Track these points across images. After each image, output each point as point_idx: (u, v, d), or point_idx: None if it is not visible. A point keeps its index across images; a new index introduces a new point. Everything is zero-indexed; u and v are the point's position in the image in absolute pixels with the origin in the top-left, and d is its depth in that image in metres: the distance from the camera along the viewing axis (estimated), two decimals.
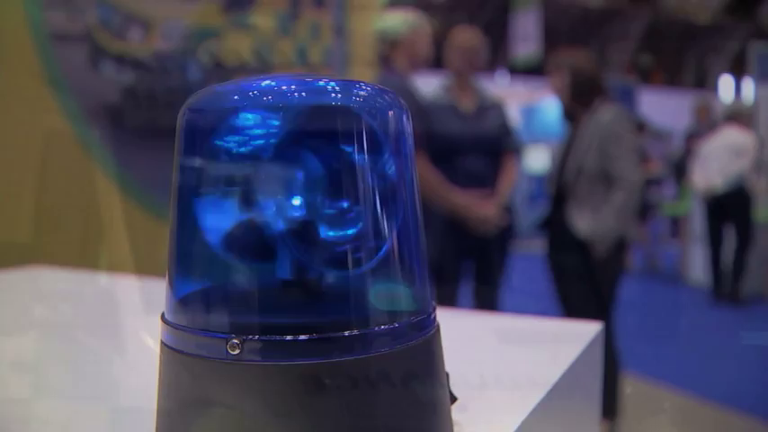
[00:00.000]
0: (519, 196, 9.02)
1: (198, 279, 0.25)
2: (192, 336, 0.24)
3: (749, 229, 5.14)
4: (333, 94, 0.25)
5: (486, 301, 2.79)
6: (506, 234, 2.76)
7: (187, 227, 0.25)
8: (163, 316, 0.26)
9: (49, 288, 0.78)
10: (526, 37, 13.16)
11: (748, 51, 8.70)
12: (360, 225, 0.24)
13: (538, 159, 9.19)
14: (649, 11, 20.18)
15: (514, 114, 9.34)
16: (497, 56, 19.40)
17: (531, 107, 10.27)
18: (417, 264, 0.26)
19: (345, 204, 0.24)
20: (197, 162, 0.25)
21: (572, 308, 2.63)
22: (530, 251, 6.20)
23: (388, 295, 0.25)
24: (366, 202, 0.24)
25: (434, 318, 0.27)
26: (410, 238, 0.26)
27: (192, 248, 0.25)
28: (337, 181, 0.24)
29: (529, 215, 7.20)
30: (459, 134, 2.64)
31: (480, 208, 2.49)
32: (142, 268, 0.94)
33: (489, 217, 2.49)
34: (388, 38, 2.38)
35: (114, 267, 1.13)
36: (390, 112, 0.26)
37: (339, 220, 0.24)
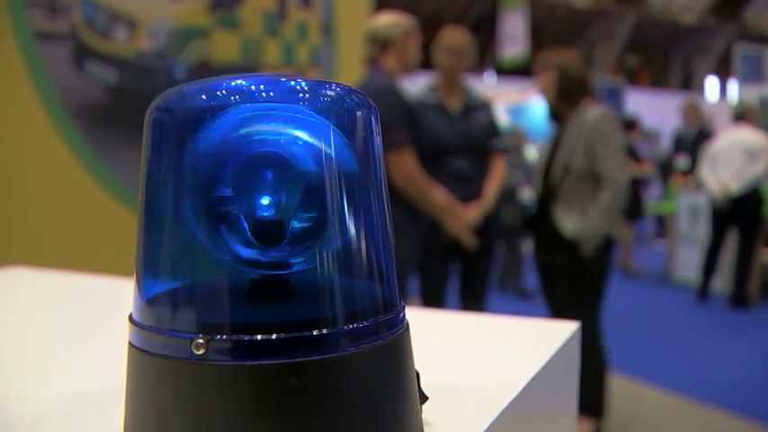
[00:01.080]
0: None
1: (164, 279, 0.25)
2: (158, 336, 0.24)
3: (758, 231, 5.06)
4: (300, 94, 0.25)
5: (473, 300, 2.79)
6: (493, 234, 2.76)
7: (154, 227, 0.25)
8: (131, 317, 0.25)
9: (27, 290, 0.77)
10: (513, 37, 13.21)
11: (733, 52, 8.79)
12: (326, 225, 0.25)
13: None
14: (636, 12, 20.31)
15: (502, 114, 9.36)
16: (485, 56, 19.45)
17: (519, 107, 10.31)
18: (385, 263, 0.26)
19: (312, 204, 0.24)
20: (163, 162, 0.25)
21: (559, 307, 2.64)
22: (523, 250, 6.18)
23: (354, 294, 0.25)
24: (333, 202, 0.24)
25: (403, 316, 0.27)
26: (378, 237, 0.26)
27: (159, 248, 0.25)
28: (305, 180, 0.24)
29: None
30: (447, 134, 2.64)
31: (457, 219, 2.48)
32: (126, 268, 0.93)
33: (464, 229, 2.49)
34: (379, 40, 2.38)
35: (96, 266, 1.12)
36: (358, 113, 0.26)
37: (306, 220, 0.24)
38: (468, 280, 2.80)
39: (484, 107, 2.78)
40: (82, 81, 2.88)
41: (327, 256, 0.24)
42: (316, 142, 0.24)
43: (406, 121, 2.22)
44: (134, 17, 3.13)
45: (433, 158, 2.61)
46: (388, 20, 2.40)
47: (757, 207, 4.99)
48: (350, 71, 2.71)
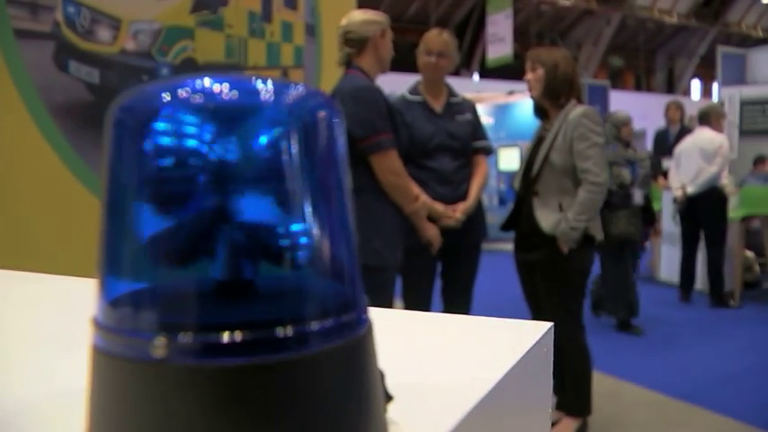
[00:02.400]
0: (489, 196, 9.08)
1: (126, 280, 0.25)
2: (119, 337, 0.24)
3: (721, 231, 5.12)
4: (263, 95, 0.25)
5: (456, 301, 2.79)
6: (477, 234, 2.77)
7: (115, 228, 0.25)
8: (93, 318, 0.25)
9: (3, 291, 0.76)
10: (500, 39, 13.28)
11: (715, 53, 8.89)
12: (289, 224, 0.25)
13: (509, 160, 9.25)
14: (620, 13, 20.47)
15: (486, 115, 9.39)
16: (472, 57, 19.53)
17: (504, 108, 10.35)
18: (348, 263, 0.27)
19: (276, 204, 0.24)
20: (125, 162, 0.25)
21: (539, 306, 2.65)
22: (507, 250, 6.18)
23: (317, 294, 0.25)
24: (296, 202, 0.24)
25: (366, 317, 0.27)
26: (341, 237, 0.26)
27: (120, 249, 0.25)
28: (268, 181, 0.24)
29: (500, 215, 7.24)
30: (430, 134, 2.65)
31: (431, 226, 2.48)
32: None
33: (436, 235, 2.49)
34: (354, 40, 2.35)
35: (78, 266, 1.11)
36: (322, 114, 0.26)
37: (269, 220, 0.24)
38: (451, 280, 2.81)
39: (467, 108, 2.79)
40: (64, 81, 2.86)
41: (290, 256, 0.25)
42: (278, 144, 0.25)
43: (388, 122, 2.22)
44: (118, 17, 3.10)
45: (417, 158, 2.62)
46: (362, 17, 2.38)
47: (718, 207, 5.05)
48: (334, 72, 2.70)
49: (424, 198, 2.42)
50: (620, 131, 4.45)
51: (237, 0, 3.65)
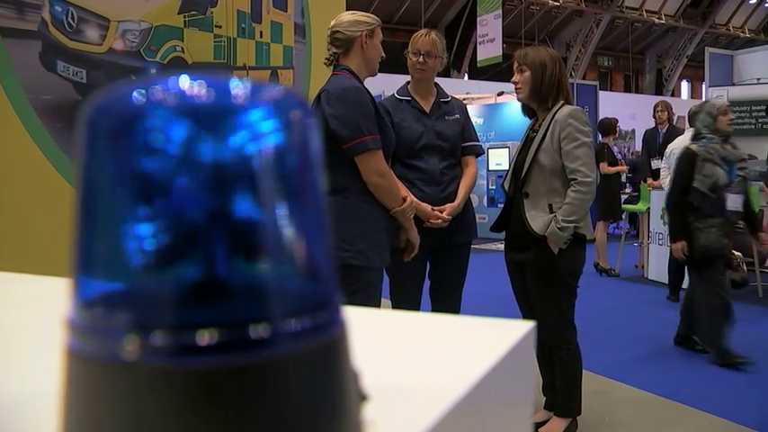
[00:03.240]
0: (478, 196, 9.10)
1: (97, 280, 0.25)
2: (89, 338, 0.24)
3: None
4: (238, 95, 0.25)
5: (444, 301, 2.79)
6: (466, 233, 2.77)
7: (86, 227, 0.25)
8: (65, 319, 0.25)
9: None
10: (489, 39, 13.32)
11: (703, 54, 8.95)
12: (263, 224, 0.25)
13: (499, 161, 9.28)
14: (609, 14, 20.58)
15: (476, 116, 9.41)
16: (461, 58, 19.57)
17: (493, 108, 10.38)
18: (323, 263, 0.27)
19: (249, 204, 0.24)
20: (97, 161, 0.25)
21: (530, 306, 2.65)
22: (499, 250, 6.19)
23: (290, 295, 0.25)
24: (270, 202, 0.24)
25: (341, 317, 0.27)
26: (315, 236, 0.26)
27: (92, 249, 0.25)
28: (241, 181, 0.24)
29: (490, 215, 7.24)
30: (419, 134, 2.65)
31: (412, 230, 2.45)
32: None
33: (416, 238, 2.46)
34: (342, 40, 2.34)
35: (65, 266, 1.10)
36: (295, 114, 0.26)
37: (242, 220, 0.24)
38: (439, 280, 2.81)
39: (457, 108, 2.79)
40: (51, 80, 2.84)
41: (265, 256, 0.25)
42: (251, 144, 0.25)
43: (374, 124, 2.22)
44: (106, 16, 3.09)
45: (405, 158, 2.62)
46: (350, 18, 2.38)
47: None
48: (324, 73, 2.70)
49: (411, 199, 2.41)
50: (717, 122, 3.68)
51: (227, 0, 3.64)
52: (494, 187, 9.29)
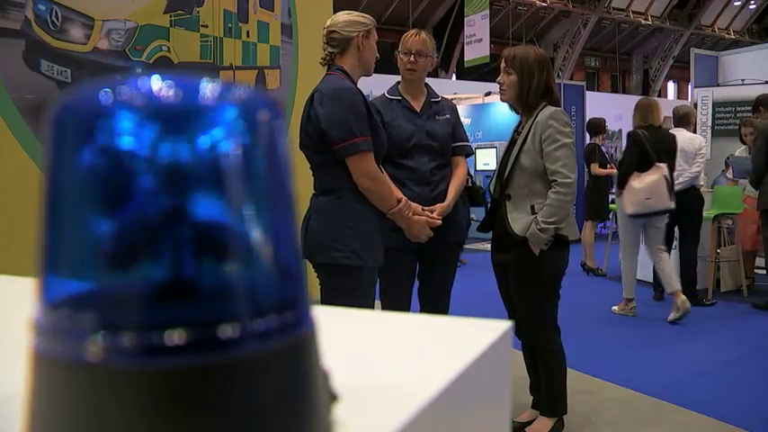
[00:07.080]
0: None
1: (63, 281, 0.25)
2: (53, 339, 0.24)
3: (695, 230, 5.20)
4: (206, 95, 0.25)
5: (433, 302, 2.79)
6: (455, 234, 2.77)
7: (52, 228, 0.25)
8: (31, 320, 0.25)
9: None
10: (478, 40, 13.36)
11: (689, 55, 9.03)
12: (230, 224, 0.25)
13: (487, 160, 9.30)
14: (596, 14, 20.69)
15: (464, 116, 9.42)
16: (448, 58, 19.61)
17: (481, 109, 10.40)
18: (291, 263, 0.27)
19: (217, 204, 0.24)
20: (63, 160, 0.25)
21: (513, 307, 2.66)
22: (487, 250, 6.18)
23: (257, 295, 0.25)
24: (238, 202, 0.24)
25: (310, 317, 0.27)
26: (283, 236, 0.26)
27: (58, 250, 0.25)
28: (209, 180, 0.24)
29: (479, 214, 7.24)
30: (409, 133, 2.65)
31: (414, 224, 2.45)
32: None
33: (424, 230, 2.47)
34: (337, 41, 2.34)
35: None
36: (263, 115, 0.26)
37: (210, 219, 0.24)
38: (428, 280, 2.81)
39: (447, 108, 2.80)
40: (35, 79, 2.82)
41: (232, 256, 0.25)
42: (218, 144, 0.24)
43: (366, 125, 2.21)
44: (90, 15, 3.06)
45: (395, 157, 2.62)
46: (346, 18, 2.37)
47: (696, 207, 5.15)
48: (311, 72, 2.70)
49: (405, 200, 2.40)
50: None
51: (213, 0, 3.62)
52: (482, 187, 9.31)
